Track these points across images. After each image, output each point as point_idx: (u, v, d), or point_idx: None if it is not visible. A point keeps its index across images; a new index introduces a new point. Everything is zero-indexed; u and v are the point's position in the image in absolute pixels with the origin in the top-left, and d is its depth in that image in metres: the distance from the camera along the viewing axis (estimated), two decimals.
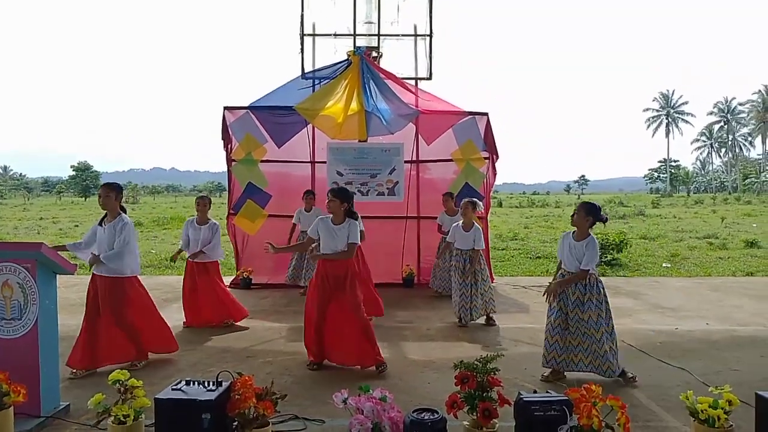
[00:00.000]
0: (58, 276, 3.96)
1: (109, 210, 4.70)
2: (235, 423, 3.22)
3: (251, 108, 8.31)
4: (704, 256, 12.52)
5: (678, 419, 3.62)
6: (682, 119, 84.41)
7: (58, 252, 4.12)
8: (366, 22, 8.72)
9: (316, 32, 8.61)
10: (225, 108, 8.35)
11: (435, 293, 7.83)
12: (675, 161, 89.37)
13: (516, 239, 16.82)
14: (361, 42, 8.53)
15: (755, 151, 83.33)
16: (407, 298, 7.75)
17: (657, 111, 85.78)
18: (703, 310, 6.98)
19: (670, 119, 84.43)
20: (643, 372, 4.63)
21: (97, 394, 3.26)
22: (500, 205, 41.48)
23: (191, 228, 6.22)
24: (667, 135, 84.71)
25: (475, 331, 6.03)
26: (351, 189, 8.10)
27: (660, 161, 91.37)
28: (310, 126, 8.34)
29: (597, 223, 4.50)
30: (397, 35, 8.78)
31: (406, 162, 8.68)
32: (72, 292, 6.65)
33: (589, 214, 4.45)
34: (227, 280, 8.59)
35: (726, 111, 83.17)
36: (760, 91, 77.27)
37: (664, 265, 11.28)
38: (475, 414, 3.20)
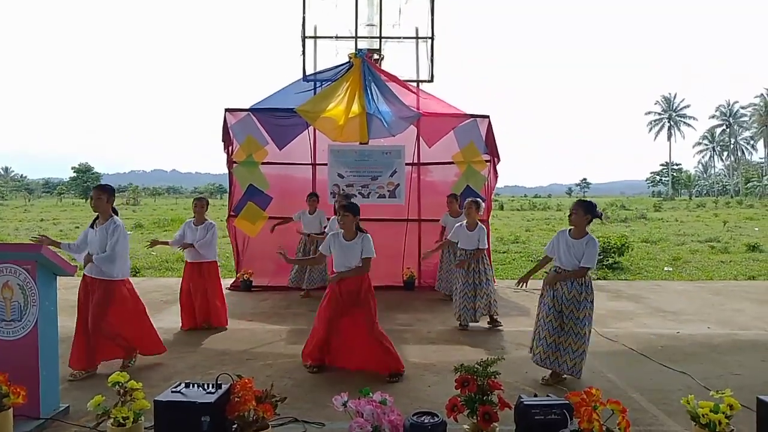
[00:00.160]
0: (58, 277, 3.96)
1: (101, 212, 4.70)
2: (235, 426, 3.21)
3: (252, 110, 8.32)
4: (706, 260, 12.50)
5: (679, 423, 3.61)
6: (684, 122, 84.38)
7: (52, 247, 4.18)
8: (367, 25, 8.73)
9: (318, 35, 8.62)
10: (226, 110, 8.35)
11: (444, 296, 7.79)
12: (677, 165, 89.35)
13: (517, 242, 16.81)
14: (363, 44, 8.54)
15: (757, 155, 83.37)
16: (408, 300, 7.74)
17: (659, 114, 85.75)
18: (705, 314, 6.97)
19: (672, 122, 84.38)
20: (644, 376, 4.62)
21: (96, 396, 3.26)
22: (502, 208, 41.48)
23: (188, 228, 6.27)
24: (669, 138, 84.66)
25: (476, 335, 6.02)
26: (352, 191, 8.13)
27: (662, 164, 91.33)
28: (311, 128, 8.35)
29: (593, 219, 4.58)
30: (399, 38, 8.78)
31: (407, 164, 8.67)
32: (72, 294, 6.60)
33: (587, 212, 4.49)
34: (228, 282, 8.62)
35: (728, 114, 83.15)
36: (762, 94, 77.23)
37: (665, 268, 11.27)
38: (475, 417, 3.19)
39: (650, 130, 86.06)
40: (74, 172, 71.16)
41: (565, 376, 4.45)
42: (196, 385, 3.36)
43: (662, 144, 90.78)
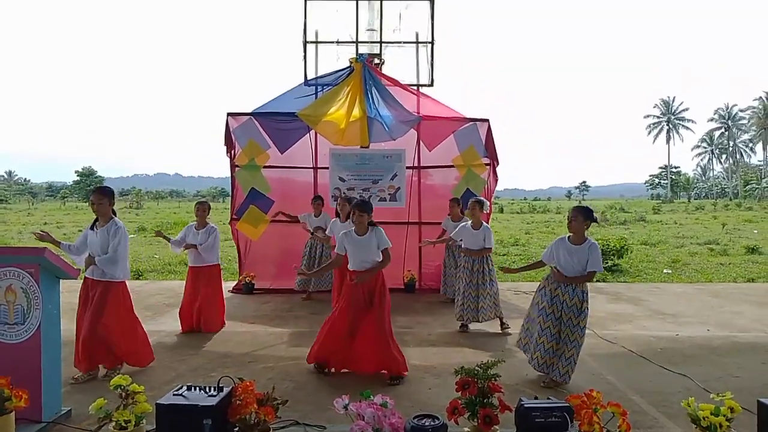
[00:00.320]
0: (61, 281, 3.97)
1: (102, 215, 4.71)
2: (236, 428, 3.23)
3: (254, 114, 8.35)
4: (705, 262, 12.51)
5: (679, 426, 3.62)
6: (683, 125, 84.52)
7: (52, 246, 4.26)
8: (368, 30, 8.76)
9: (319, 39, 8.65)
10: (228, 114, 8.38)
11: (446, 299, 7.80)
12: (676, 167, 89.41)
13: (517, 245, 16.83)
14: (364, 49, 8.57)
15: (756, 158, 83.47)
16: (408, 303, 7.75)
17: (658, 117, 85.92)
18: (704, 317, 6.98)
19: (670, 126, 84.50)
20: (644, 378, 4.64)
21: (98, 399, 3.27)
22: (501, 210, 41.49)
23: (190, 232, 6.29)
24: (667, 141, 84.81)
25: (477, 337, 6.03)
26: (353, 194, 8.15)
27: (661, 167, 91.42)
28: (312, 132, 8.37)
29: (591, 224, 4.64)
30: (399, 42, 8.81)
31: (407, 168, 8.71)
32: (75, 297, 6.65)
33: (587, 218, 4.54)
34: (230, 285, 8.65)
35: (727, 117, 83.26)
36: (760, 97, 77.36)
37: (665, 271, 11.28)
38: (476, 420, 3.21)
39: (649, 133, 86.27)
40: (78, 175, 71.22)
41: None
42: (197, 388, 3.38)
43: (661, 147, 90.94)
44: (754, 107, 78.37)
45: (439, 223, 7.99)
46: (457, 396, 3.33)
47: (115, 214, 4.80)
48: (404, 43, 8.80)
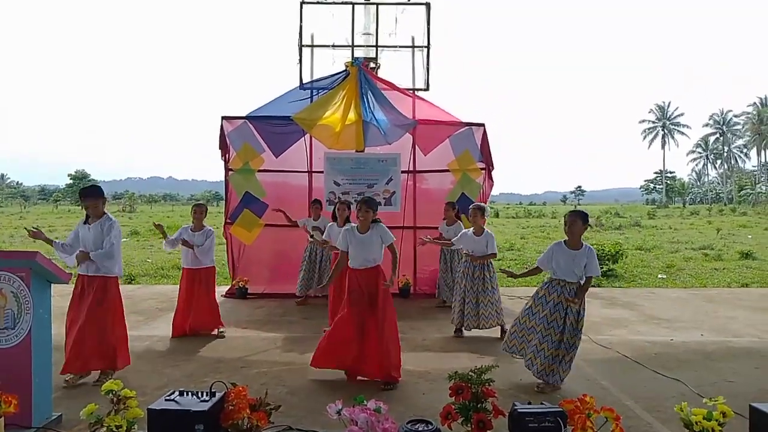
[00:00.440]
0: (52, 285, 3.95)
1: (96, 215, 4.69)
2: None
3: (249, 118, 8.34)
4: (699, 267, 12.55)
5: (673, 431, 3.62)
6: (678, 131, 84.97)
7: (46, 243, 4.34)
8: (364, 34, 8.78)
9: (315, 43, 8.67)
10: (223, 118, 8.37)
11: (441, 303, 7.82)
12: (671, 172, 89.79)
13: (512, 250, 16.85)
14: (359, 53, 8.59)
15: (750, 163, 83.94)
16: (403, 308, 7.70)
17: (653, 122, 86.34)
18: (699, 321, 6.99)
19: (665, 131, 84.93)
20: (638, 383, 4.63)
21: (89, 405, 3.25)
22: (497, 215, 41.57)
23: (186, 234, 6.23)
24: (663, 146, 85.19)
25: (471, 342, 6.02)
26: (348, 198, 8.14)
27: (656, 172, 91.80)
28: (307, 136, 8.37)
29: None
30: (395, 46, 8.84)
31: (403, 172, 8.70)
32: (67, 301, 6.62)
33: (585, 222, 4.57)
34: (223, 289, 8.61)
35: (721, 123, 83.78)
36: (755, 103, 77.92)
37: (659, 276, 11.30)
38: (469, 425, 3.19)
39: (644, 138, 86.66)
40: (71, 179, 70.95)
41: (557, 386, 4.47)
42: (190, 393, 3.36)
43: (656, 152, 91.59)
44: (748, 113, 78.92)
45: (435, 228, 8.00)
46: (451, 401, 3.32)
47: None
48: (400, 47, 8.83)
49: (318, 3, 8.60)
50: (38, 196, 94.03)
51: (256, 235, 8.48)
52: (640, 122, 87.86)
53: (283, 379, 4.72)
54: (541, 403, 3.38)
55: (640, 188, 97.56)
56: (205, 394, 3.35)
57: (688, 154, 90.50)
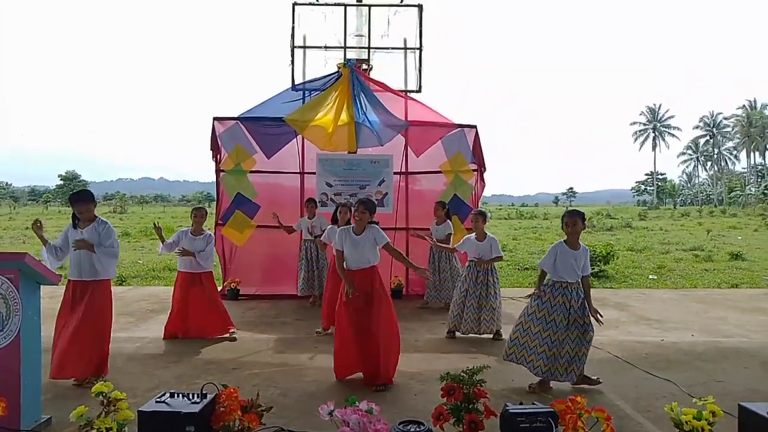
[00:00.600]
0: (41, 286, 3.91)
1: (88, 219, 4.67)
2: None
3: (241, 119, 8.32)
4: (690, 268, 12.64)
5: (663, 431, 3.63)
6: (669, 133, 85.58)
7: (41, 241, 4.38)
8: (356, 35, 8.79)
9: (307, 44, 8.65)
10: (215, 118, 8.34)
11: (424, 303, 7.85)
12: (662, 174, 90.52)
13: (504, 251, 16.75)
14: (352, 54, 8.59)
15: (740, 165, 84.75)
16: (395, 309, 7.70)
17: (644, 125, 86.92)
18: (689, 322, 7.04)
19: (656, 133, 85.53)
20: (629, 383, 4.66)
21: (79, 407, 3.23)
22: (489, 216, 41.63)
23: (185, 238, 6.15)
24: (653, 148, 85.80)
25: (463, 343, 6.03)
26: (340, 200, 8.14)
27: (647, 174, 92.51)
28: (299, 137, 8.36)
29: None
30: (387, 48, 8.85)
31: (395, 173, 8.70)
32: (56, 303, 6.56)
33: (584, 221, 4.56)
34: None
35: (711, 125, 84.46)
36: (744, 105, 78.67)
37: (650, 276, 11.37)
38: (461, 426, 3.20)
39: (635, 140, 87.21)
40: (61, 180, 70.45)
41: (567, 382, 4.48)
42: (180, 395, 3.34)
43: (647, 154, 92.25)
44: (737, 115, 79.65)
45: (427, 229, 8.01)
46: (443, 402, 3.33)
47: None
48: (392, 48, 8.83)
49: (310, 4, 8.59)
50: (28, 197, 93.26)
51: (248, 236, 8.45)
52: (631, 124, 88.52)
53: (275, 380, 4.71)
54: (533, 404, 3.39)
55: (631, 190, 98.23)
56: (196, 395, 3.34)
57: (678, 156, 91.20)
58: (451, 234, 7.65)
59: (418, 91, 8.74)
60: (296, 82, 8.49)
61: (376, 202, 4.99)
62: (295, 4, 8.51)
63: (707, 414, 3.12)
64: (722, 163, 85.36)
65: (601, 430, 3.08)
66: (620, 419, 3.78)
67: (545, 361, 4.41)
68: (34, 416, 3.67)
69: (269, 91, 8.60)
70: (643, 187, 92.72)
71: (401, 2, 8.74)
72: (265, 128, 8.20)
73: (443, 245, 7.20)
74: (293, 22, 8.53)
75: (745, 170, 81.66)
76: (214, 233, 8.63)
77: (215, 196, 8.74)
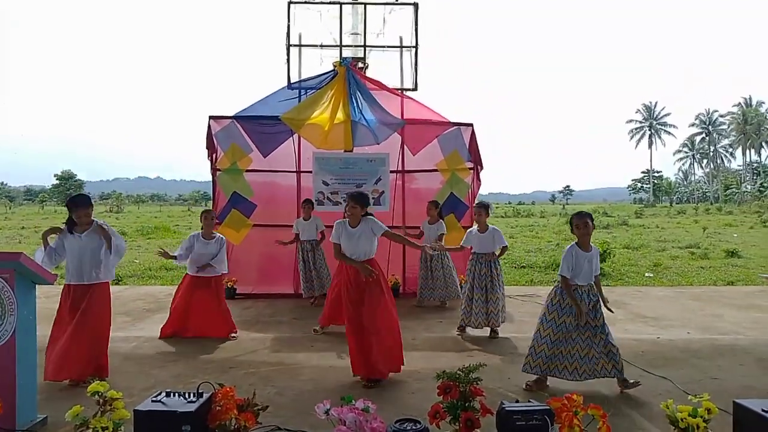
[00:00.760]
0: (37, 286, 3.90)
1: (87, 223, 4.65)
2: None
3: (237, 117, 8.30)
4: (686, 266, 12.68)
5: (659, 428, 3.65)
6: (665, 131, 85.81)
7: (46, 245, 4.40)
8: (352, 33, 8.77)
9: (303, 43, 8.64)
10: (210, 117, 8.32)
11: (419, 302, 7.86)
12: (658, 172, 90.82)
13: None
14: (347, 53, 8.58)
15: (736, 162, 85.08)
16: None
17: (640, 122, 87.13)
18: (685, 319, 7.06)
19: (652, 131, 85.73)
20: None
21: (75, 406, 3.21)
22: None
23: (198, 242, 6.12)
24: (650, 146, 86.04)
25: (460, 342, 6.04)
26: (336, 199, 8.13)
27: (643, 172, 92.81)
28: (295, 136, 8.35)
29: None
30: (383, 47, 8.84)
31: (391, 172, 8.71)
32: (52, 302, 6.52)
33: (593, 221, 4.52)
34: None
35: (707, 123, 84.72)
36: (739, 103, 78.90)
37: (646, 274, 11.40)
38: (457, 424, 3.20)
39: (631, 137, 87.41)
40: (57, 179, 70.21)
41: (572, 380, 4.43)
42: (177, 394, 3.33)
43: (643, 152, 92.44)
44: (733, 113, 79.88)
45: (418, 227, 8.01)
46: (439, 400, 3.33)
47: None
48: (388, 47, 8.82)
49: (306, 3, 8.57)
50: (24, 197, 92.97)
51: (245, 235, 8.44)
52: (627, 122, 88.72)
53: (272, 379, 4.71)
54: (529, 401, 3.39)
55: (627, 188, 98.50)
56: (192, 395, 3.33)
57: (674, 154, 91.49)
58: (444, 234, 7.67)
59: (414, 89, 8.74)
60: (292, 81, 8.48)
61: (368, 195, 4.97)
62: (290, 2, 8.49)
63: (702, 411, 3.13)
64: (718, 161, 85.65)
65: (597, 428, 3.09)
66: (616, 417, 3.79)
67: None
68: (29, 416, 3.66)
69: (265, 90, 8.63)
70: (639, 184, 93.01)
71: (397, 0, 8.73)
72: (261, 127, 8.18)
73: (450, 248, 7.12)
74: (289, 21, 8.52)
75: (741, 168, 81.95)
76: None
77: (212, 196, 8.72)
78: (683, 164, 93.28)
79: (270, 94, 8.53)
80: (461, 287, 7.43)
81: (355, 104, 7.84)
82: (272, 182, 8.93)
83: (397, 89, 8.71)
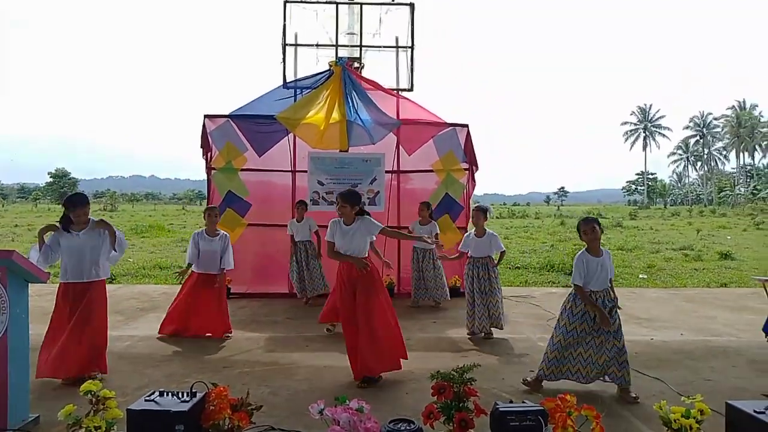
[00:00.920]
0: (29, 284, 3.88)
1: (84, 222, 4.63)
2: None
3: (232, 116, 8.28)
4: (680, 268, 12.73)
5: (652, 429, 3.66)
6: (659, 133, 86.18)
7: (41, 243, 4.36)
8: (348, 33, 8.76)
9: (299, 42, 8.62)
10: (205, 116, 8.30)
11: (415, 303, 7.86)
12: (652, 174, 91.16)
13: None
14: (343, 53, 8.56)
15: (730, 165, 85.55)
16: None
17: (635, 125, 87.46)
18: (678, 321, 7.09)
19: (647, 133, 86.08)
20: None
21: (67, 406, 3.20)
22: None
23: (202, 240, 6.10)
24: (644, 148, 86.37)
25: (454, 342, 6.04)
26: (331, 199, 8.13)
27: (638, 174, 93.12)
28: (291, 135, 8.33)
29: None
30: (379, 47, 8.83)
31: (387, 172, 8.70)
32: (45, 301, 6.52)
33: (600, 225, 4.44)
34: None
35: (701, 125, 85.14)
36: (733, 106, 79.34)
37: (640, 276, 11.44)
38: (451, 424, 3.20)
39: (626, 140, 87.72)
40: (50, 177, 69.88)
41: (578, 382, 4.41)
42: (170, 394, 3.32)
43: (638, 154, 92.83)
44: (727, 116, 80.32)
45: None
46: (433, 400, 3.33)
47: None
48: (384, 47, 8.81)
49: (302, 2, 8.55)
50: (17, 195, 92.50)
51: (239, 234, 8.41)
52: (622, 124, 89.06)
53: (266, 379, 4.70)
54: (523, 402, 3.40)
55: (622, 189, 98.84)
56: (185, 394, 3.32)
57: (669, 156, 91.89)
58: (438, 234, 7.66)
59: (410, 89, 8.74)
60: (287, 80, 8.45)
61: (358, 193, 4.97)
62: (286, 1, 8.47)
63: (695, 412, 3.14)
64: (712, 164, 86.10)
65: (590, 429, 3.09)
66: (609, 418, 3.79)
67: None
68: (21, 415, 3.64)
69: (260, 89, 8.63)
70: (633, 186, 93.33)
71: (393, 1, 8.73)
72: (256, 126, 8.17)
73: (450, 257, 7.06)
74: (285, 20, 8.49)
75: (735, 170, 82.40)
76: None
77: (206, 195, 8.70)
78: (677, 166, 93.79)
79: (265, 93, 8.52)
80: (461, 292, 7.43)
81: (350, 104, 7.83)
82: (267, 182, 8.91)
83: (393, 89, 8.71)
